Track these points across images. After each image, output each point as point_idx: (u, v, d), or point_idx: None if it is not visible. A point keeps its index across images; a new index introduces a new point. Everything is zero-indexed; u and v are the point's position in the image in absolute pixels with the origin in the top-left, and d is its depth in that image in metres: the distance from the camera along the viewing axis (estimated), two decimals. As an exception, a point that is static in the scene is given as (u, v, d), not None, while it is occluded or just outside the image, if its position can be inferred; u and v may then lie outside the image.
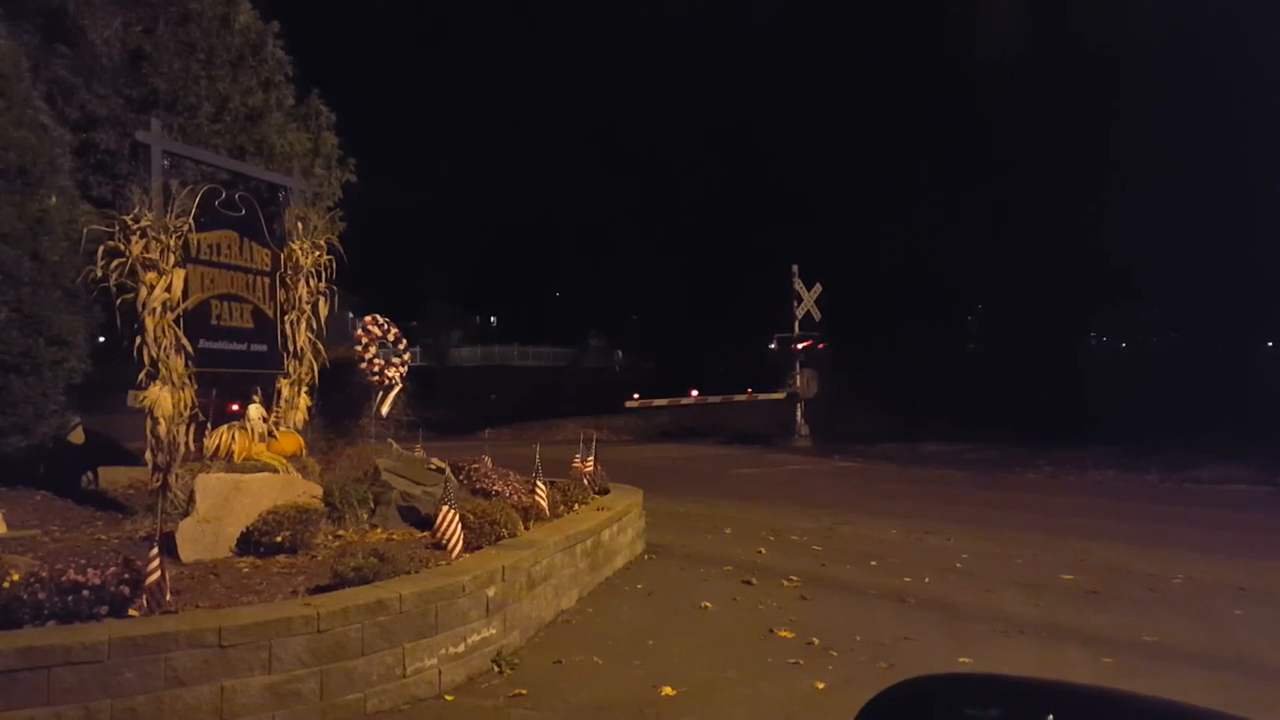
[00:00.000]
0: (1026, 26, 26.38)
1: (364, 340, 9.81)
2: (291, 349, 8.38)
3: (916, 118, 30.12)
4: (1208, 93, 22.48)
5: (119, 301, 6.97)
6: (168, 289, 7.09)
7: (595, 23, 41.52)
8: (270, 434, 7.69)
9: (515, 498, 8.02)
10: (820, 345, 27.28)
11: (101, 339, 8.42)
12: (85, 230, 7.39)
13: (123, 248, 6.97)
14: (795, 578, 8.17)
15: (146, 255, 7.02)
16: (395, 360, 9.95)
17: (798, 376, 27.23)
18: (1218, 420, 19.64)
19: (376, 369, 9.78)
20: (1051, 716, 1.28)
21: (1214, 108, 22.47)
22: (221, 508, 6.30)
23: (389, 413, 9.93)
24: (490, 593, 5.66)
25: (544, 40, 43.86)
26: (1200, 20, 22.70)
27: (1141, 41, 23.05)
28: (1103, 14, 24.51)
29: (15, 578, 4.41)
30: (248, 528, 6.29)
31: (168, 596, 4.75)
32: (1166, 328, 30.58)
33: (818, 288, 27.36)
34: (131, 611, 4.49)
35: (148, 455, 7.08)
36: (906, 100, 30.69)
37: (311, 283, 8.56)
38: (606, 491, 9.86)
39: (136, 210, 7.05)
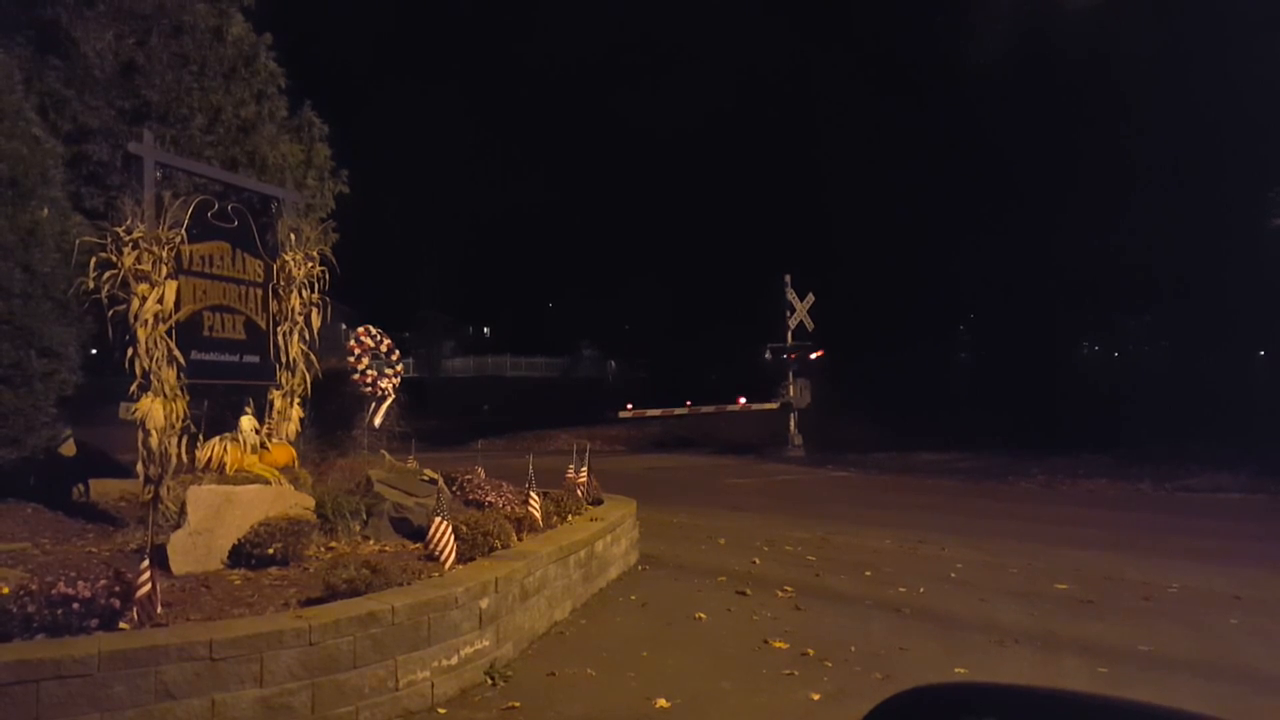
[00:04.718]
0: (1022, 31, 26.50)
1: (357, 351, 9.80)
2: (284, 360, 8.36)
3: (910, 126, 30.18)
4: (1211, 102, 22.55)
5: (111, 313, 6.95)
6: (160, 300, 7.08)
7: (587, 34, 41.61)
8: (262, 445, 7.66)
9: (508, 509, 7.99)
10: (815, 354, 27.32)
11: (93, 351, 8.38)
12: (77, 242, 7.38)
13: (115, 259, 6.96)
14: (789, 588, 8.16)
15: (139, 267, 7.01)
16: (388, 371, 9.94)
17: (791, 386, 27.26)
18: (1210, 429, 19.70)
19: (369, 380, 9.76)
20: None
21: (1216, 117, 22.54)
22: (213, 520, 6.27)
23: (382, 424, 9.91)
24: (483, 604, 5.64)
25: (534, 54, 43.93)
26: (1201, 32, 22.86)
27: (1144, 48, 23.15)
28: (1100, 21, 24.63)
29: (4, 590, 4.39)
30: (239, 540, 6.26)
31: (158, 609, 4.72)
32: (1158, 336, 30.63)
33: (810, 298, 27.45)
34: (122, 624, 4.46)
35: (139, 467, 7.05)
36: (901, 108, 30.76)
37: (304, 294, 8.54)
38: (600, 502, 9.86)
39: (129, 222, 7.04)
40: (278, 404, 8.26)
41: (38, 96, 9.44)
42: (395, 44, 49.16)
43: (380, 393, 9.84)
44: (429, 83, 41.72)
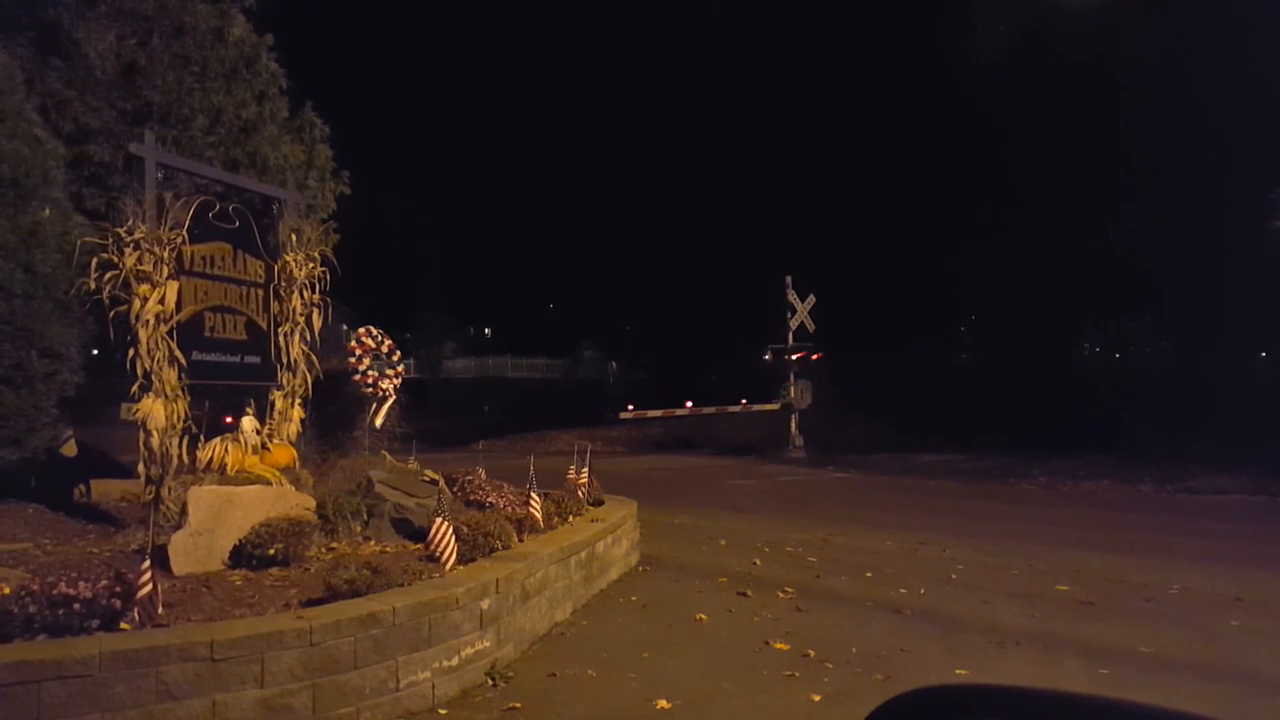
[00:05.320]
0: (1023, 31, 26.49)
1: (358, 352, 9.79)
2: (285, 361, 8.37)
3: (911, 126, 30.14)
4: (1212, 102, 22.53)
5: (112, 314, 6.95)
6: (161, 301, 7.09)
7: (587, 35, 41.63)
8: (263, 446, 7.67)
9: (509, 509, 7.99)
10: (815, 356, 27.37)
11: (94, 351, 8.39)
12: (78, 242, 7.39)
13: (116, 260, 6.96)
14: (790, 589, 8.15)
15: (140, 267, 7.02)
16: (389, 372, 9.93)
17: (791, 387, 27.27)
18: (1211, 430, 19.68)
19: (370, 381, 9.76)
20: None
21: (1217, 117, 22.51)
22: (214, 520, 6.27)
23: (383, 424, 9.90)
24: (484, 605, 5.64)
25: (535, 55, 43.91)
26: (1201, 31, 22.85)
27: (1145, 49, 23.13)
28: (1103, 23, 24.61)
29: (6, 591, 4.39)
30: (240, 540, 6.26)
31: (159, 609, 4.72)
32: (1159, 337, 30.59)
33: (811, 299, 27.46)
34: (123, 625, 4.46)
35: (140, 468, 7.06)
36: (902, 108, 30.71)
37: (305, 294, 8.55)
38: (601, 503, 9.86)
39: (130, 222, 7.05)
40: (279, 405, 8.27)
41: (39, 97, 9.45)
42: (396, 45, 49.14)
43: (381, 393, 9.83)
44: (430, 84, 41.70)
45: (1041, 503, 15.65)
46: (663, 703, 5.14)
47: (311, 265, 8.62)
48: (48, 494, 7.76)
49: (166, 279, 7.15)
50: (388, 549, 6.97)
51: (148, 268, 7.06)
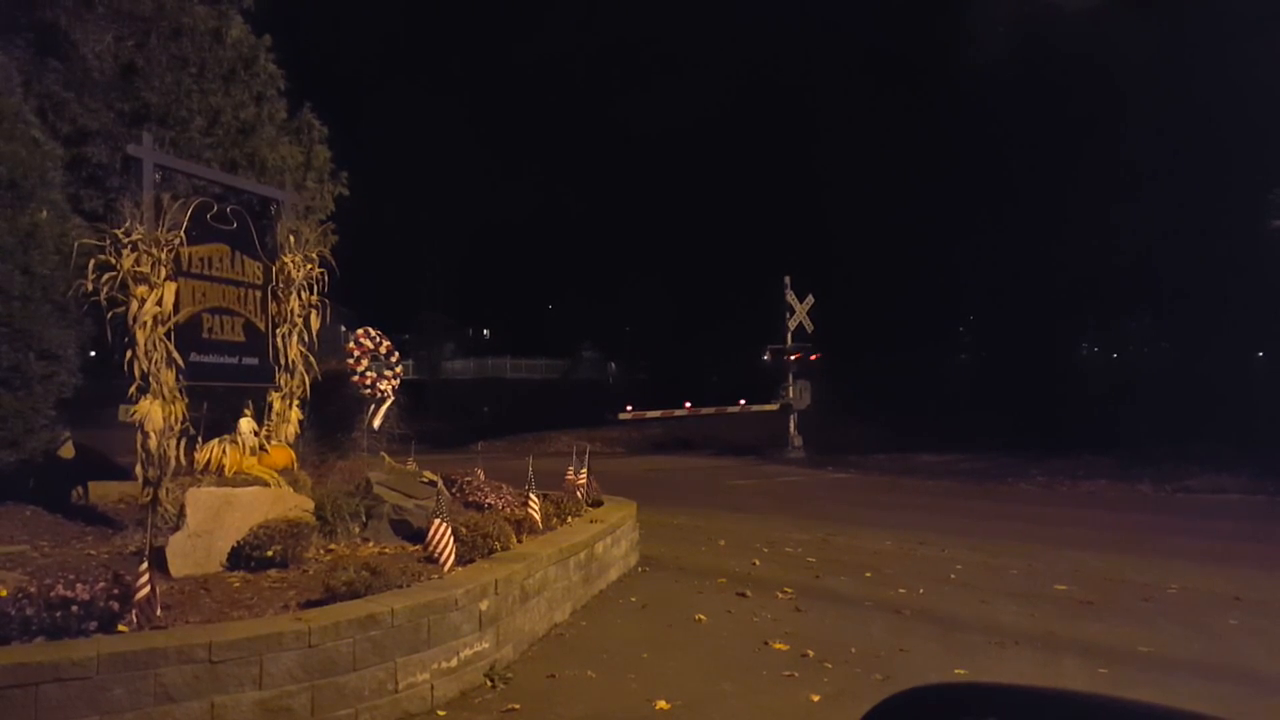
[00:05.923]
0: (1022, 31, 26.51)
1: (356, 353, 9.79)
2: (283, 362, 8.36)
3: (910, 127, 30.13)
4: (1211, 103, 22.52)
5: (110, 315, 6.95)
6: (159, 302, 7.08)
7: (587, 36, 41.65)
8: (261, 447, 7.65)
9: (508, 510, 7.99)
10: (814, 356, 27.38)
11: (92, 353, 8.38)
12: (76, 244, 7.38)
13: (114, 261, 6.96)
14: (790, 589, 8.15)
15: (138, 269, 7.01)
16: (387, 373, 9.92)
17: (791, 388, 27.27)
18: (1209, 430, 19.69)
19: (369, 382, 9.75)
20: None
21: (1216, 118, 22.52)
22: (212, 522, 6.27)
23: (381, 426, 9.89)
24: (483, 606, 5.63)
25: (534, 55, 43.90)
26: (1201, 32, 22.87)
27: (1144, 49, 23.13)
28: (1102, 24, 24.61)
29: (3, 593, 4.38)
30: (239, 542, 6.25)
31: (158, 611, 4.71)
32: (1157, 338, 30.60)
33: (810, 299, 27.46)
34: (121, 627, 4.45)
35: (138, 469, 7.05)
36: (901, 109, 30.70)
37: (303, 296, 8.54)
38: (600, 504, 9.85)
39: (128, 224, 7.04)
40: (277, 406, 8.26)
41: (37, 99, 9.46)
42: (395, 46, 49.20)
43: (379, 394, 9.82)
44: (429, 84, 41.73)
45: (1040, 502, 15.65)
46: (662, 703, 5.14)
47: (310, 266, 8.61)
48: (45, 496, 7.75)
49: (164, 280, 7.15)
50: (386, 550, 6.96)
51: (145, 269, 7.05)
